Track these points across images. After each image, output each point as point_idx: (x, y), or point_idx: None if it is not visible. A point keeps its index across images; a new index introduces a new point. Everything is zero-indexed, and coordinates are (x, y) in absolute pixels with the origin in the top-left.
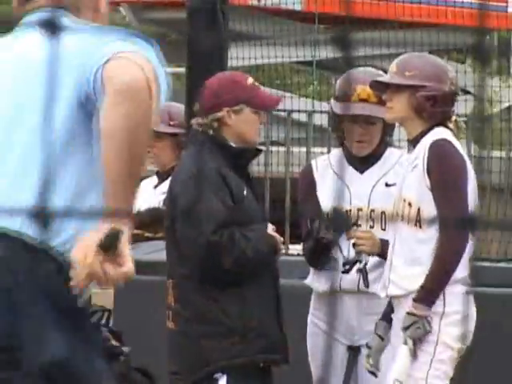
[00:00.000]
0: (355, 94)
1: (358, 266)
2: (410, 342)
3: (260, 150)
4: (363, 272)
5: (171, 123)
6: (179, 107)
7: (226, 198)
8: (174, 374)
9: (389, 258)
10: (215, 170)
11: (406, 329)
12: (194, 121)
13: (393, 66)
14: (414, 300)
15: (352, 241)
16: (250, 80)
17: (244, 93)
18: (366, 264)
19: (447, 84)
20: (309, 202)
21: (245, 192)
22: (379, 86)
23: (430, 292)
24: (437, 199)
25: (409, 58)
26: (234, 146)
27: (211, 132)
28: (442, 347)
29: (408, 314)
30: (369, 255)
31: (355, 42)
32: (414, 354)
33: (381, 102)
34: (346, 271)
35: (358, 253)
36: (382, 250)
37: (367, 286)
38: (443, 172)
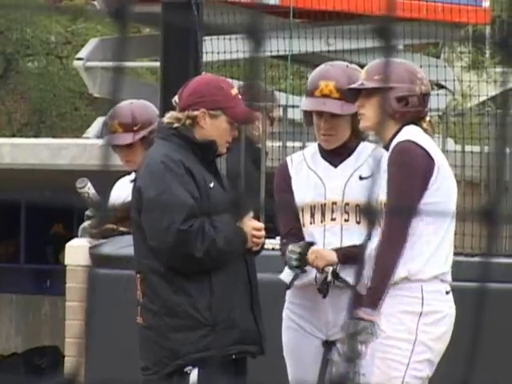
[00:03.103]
0: (318, 89)
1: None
2: (362, 347)
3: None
4: (329, 282)
5: (135, 128)
6: (142, 105)
7: (192, 189)
8: (144, 369)
9: (368, 255)
10: (180, 161)
11: (355, 334)
12: (167, 115)
13: (362, 73)
14: (362, 305)
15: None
16: (235, 90)
17: (225, 100)
18: (332, 273)
19: (417, 84)
20: (284, 198)
21: (211, 184)
22: (352, 94)
23: (375, 294)
24: (387, 194)
25: (377, 63)
26: (199, 140)
27: (180, 127)
28: (420, 347)
29: (356, 319)
30: (328, 267)
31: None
32: (363, 355)
33: (343, 98)
34: (325, 290)
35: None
36: (344, 257)
37: (324, 295)
38: (392, 172)
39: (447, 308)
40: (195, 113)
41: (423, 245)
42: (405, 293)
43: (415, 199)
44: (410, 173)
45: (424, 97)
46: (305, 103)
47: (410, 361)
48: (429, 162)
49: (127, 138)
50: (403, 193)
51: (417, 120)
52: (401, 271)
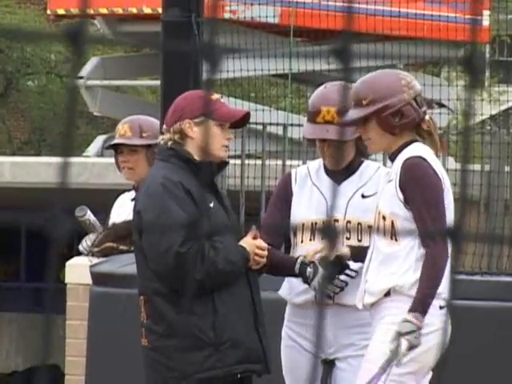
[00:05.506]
0: (320, 116)
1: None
2: (405, 346)
3: (226, 163)
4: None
5: (144, 135)
6: (150, 119)
7: (191, 211)
8: None
9: (365, 269)
10: (179, 183)
11: (404, 334)
12: (160, 137)
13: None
14: (410, 310)
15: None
16: (215, 96)
17: (205, 106)
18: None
19: (404, 92)
20: (277, 211)
21: (211, 204)
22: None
23: (424, 300)
24: (417, 217)
25: (358, 87)
26: (197, 159)
27: (175, 146)
28: (403, 359)
29: (407, 321)
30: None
31: (355, 55)
32: (402, 361)
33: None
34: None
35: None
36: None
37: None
38: (420, 191)
39: (439, 322)
40: (181, 126)
41: (418, 259)
42: (396, 304)
43: (443, 209)
44: (432, 184)
45: (416, 99)
46: (308, 130)
47: (390, 370)
48: (438, 178)
49: (134, 140)
50: (434, 205)
51: (417, 125)
52: (393, 284)
